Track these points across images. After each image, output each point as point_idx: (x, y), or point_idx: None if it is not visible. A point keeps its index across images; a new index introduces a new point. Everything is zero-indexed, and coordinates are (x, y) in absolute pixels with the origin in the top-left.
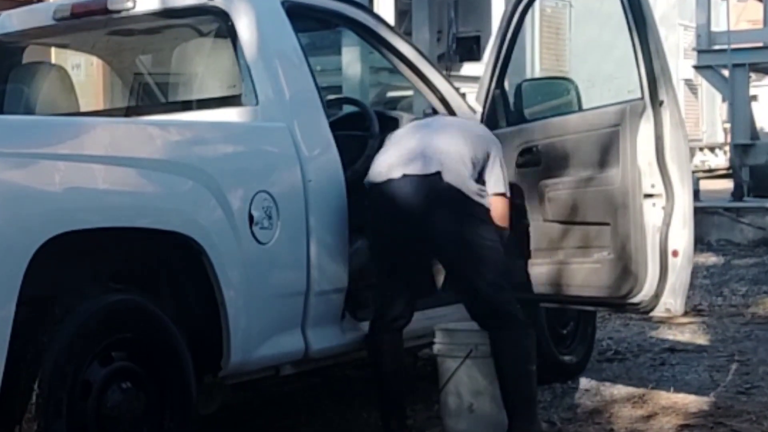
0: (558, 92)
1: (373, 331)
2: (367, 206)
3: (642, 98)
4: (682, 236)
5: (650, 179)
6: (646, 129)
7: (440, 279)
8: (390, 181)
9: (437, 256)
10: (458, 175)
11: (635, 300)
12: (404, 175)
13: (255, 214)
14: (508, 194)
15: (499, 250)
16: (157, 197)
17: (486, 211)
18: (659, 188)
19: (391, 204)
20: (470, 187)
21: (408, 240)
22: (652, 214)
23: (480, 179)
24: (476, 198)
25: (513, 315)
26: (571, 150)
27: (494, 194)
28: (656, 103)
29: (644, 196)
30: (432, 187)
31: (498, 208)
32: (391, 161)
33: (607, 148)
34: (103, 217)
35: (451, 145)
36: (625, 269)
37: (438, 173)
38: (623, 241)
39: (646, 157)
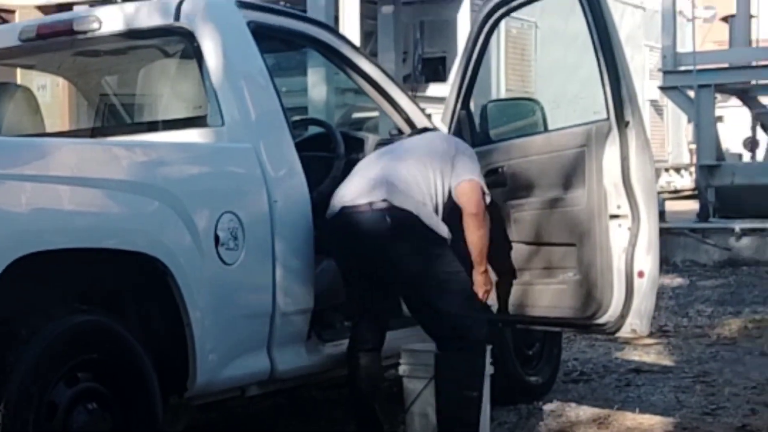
0: (523, 113)
1: (350, 352)
2: (329, 235)
3: (608, 119)
4: (647, 257)
5: (616, 200)
6: (612, 150)
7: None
8: (348, 210)
9: (396, 285)
10: (418, 204)
11: (601, 321)
12: (363, 205)
13: (221, 234)
14: (481, 181)
15: (459, 276)
16: (123, 218)
17: (443, 240)
18: (625, 209)
19: (349, 234)
20: (430, 215)
21: (369, 269)
22: (617, 235)
23: (448, 198)
24: (436, 226)
25: (471, 339)
26: (537, 171)
27: (462, 181)
28: (622, 124)
29: (610, 217)
30: (390, 217)
31: (466, 193)
32: (351, 190)
33: (573, 169)
34: (69, 239)
35: (412, 172)
36: (591, 290)
37: (392, 204)
38: (589, 262)
39: (611, 178)
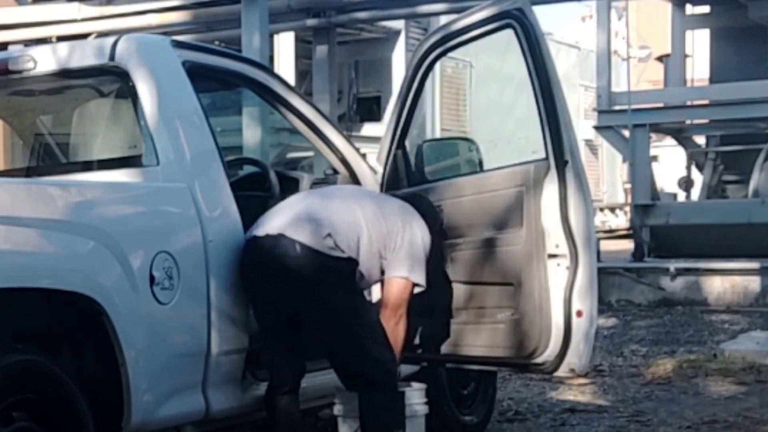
0: (459, 152)
1: (268, 393)
2: (240, 265)
3: (546, 158)
4: (586, 296)
5: (554, 239)
6: (550, 189)
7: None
8: (254, 239)
9: (305, 318)
10: (326, 244)
11: (539, 360)
12: (273, 234)
13: (156, 274)
14: (416, 281)
15: (362, 316)
16: (58, 258)
17: (354, 281)
18: (563, 249)
19: (256, 260)
20: (334, 253)
21: (275, 297)
22: (556, 274)
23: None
24: (348, 268)
25: (377, 380)
26: (474, 210)
27: (393, 276)
28: (561, 163)
29: (548, 257)
30: (300, 246)
31: (391, 290)
32: (264, 222)
33: (512, 209)
34: (2, 278)
35: (338, 216)
36: (529, 329)
37: (291, 239)
38: (527, 302)
39: (550, 217)
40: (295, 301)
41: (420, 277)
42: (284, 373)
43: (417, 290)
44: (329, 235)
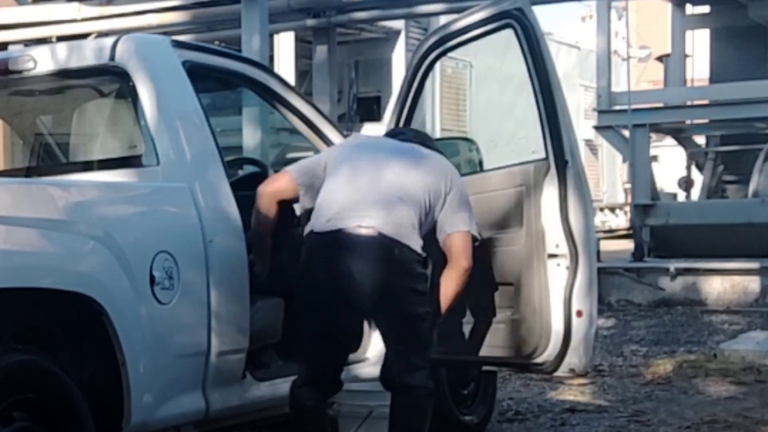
0: (459, 152)
1: (299, 394)
2: (305, 254)
3: (546, 158)
4: (586, 297)
5: (554, 239)
6: (550, 189)
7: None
8: (337, 232)
9: (368, 317)
10: (411, 234)
11: (539, 360)
12: (353, 228)
13: (156, 274)
14: (473, 229)
15: (427, 325)
16: (58, 258)
17: (425, 278)
18: (563, 248)
19: (334, 258)
20: (418, 251)
21: (346, 299)
22: (556, 274)
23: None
24: (418, 266)
25: (420, 388)
26: (475, 210)
27: (457, 232)
28: (561, 163)
29: (548, 256)
30: (398, 249)
31: (460, 246)
32: (341, 205)
33: (512, 209)
34: (3, 278)
35: (409, 190)
36: (529, 329)
37: (390, 240)
38: (527, 301)
39: (550, 217)
40: (379, 306)
41: (475, 229)
42: (325, 379)
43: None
44: (416, 228)
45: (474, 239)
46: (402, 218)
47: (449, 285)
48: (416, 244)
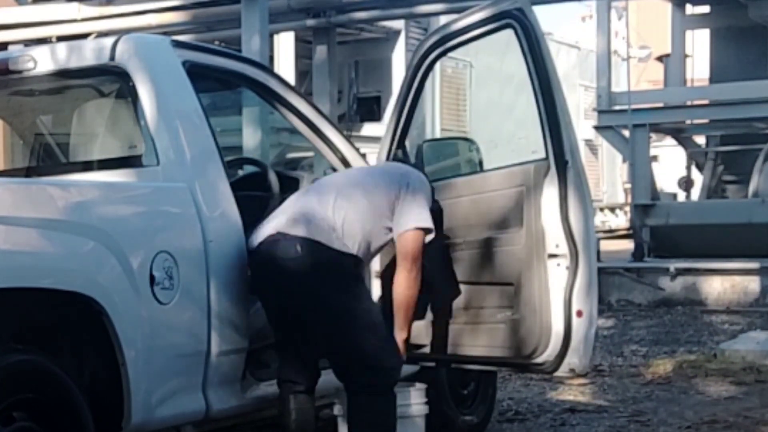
0: (459, 152)
1: (281, 393)
2: (250, 271)
3: (546, 158)
4: (586, 297)
5: (554, 239)
6: (550, 189)
7: None
8: (256, 247)
9: (311, 320)
10: (331, 237)
11: (539, 360)
12: (275, 234)
13: (156, 274)
14: (425, 226)
15: (361, 317)
16: (58, 258)
17: (359, 276)
18: (563, 248)
19: (264, 268)
20: (344, 247)
21: (284, 301)
22: (556, 274)
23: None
24: (349, 263)
25: (373, 383)
26: (474, 210)
27: (404, 231)
28: (561, 163)
29: (548, 256)
30: (300, 245)
31: (406, 246)
32: (269, 224)
33: (512, 209)
34: (3, 278)
35: (332, 201)
36: (529, 329)
37: (304, 235)
38: (527, 301)
39: (550, 217)
40: (298, 301)
41: (428, 221)
42: (297, 373)
43: (428, 238)
44: (332, 228)
45: (427, 231)
46: (314, 217)
47: (397, 288)
48: (327, 238)
